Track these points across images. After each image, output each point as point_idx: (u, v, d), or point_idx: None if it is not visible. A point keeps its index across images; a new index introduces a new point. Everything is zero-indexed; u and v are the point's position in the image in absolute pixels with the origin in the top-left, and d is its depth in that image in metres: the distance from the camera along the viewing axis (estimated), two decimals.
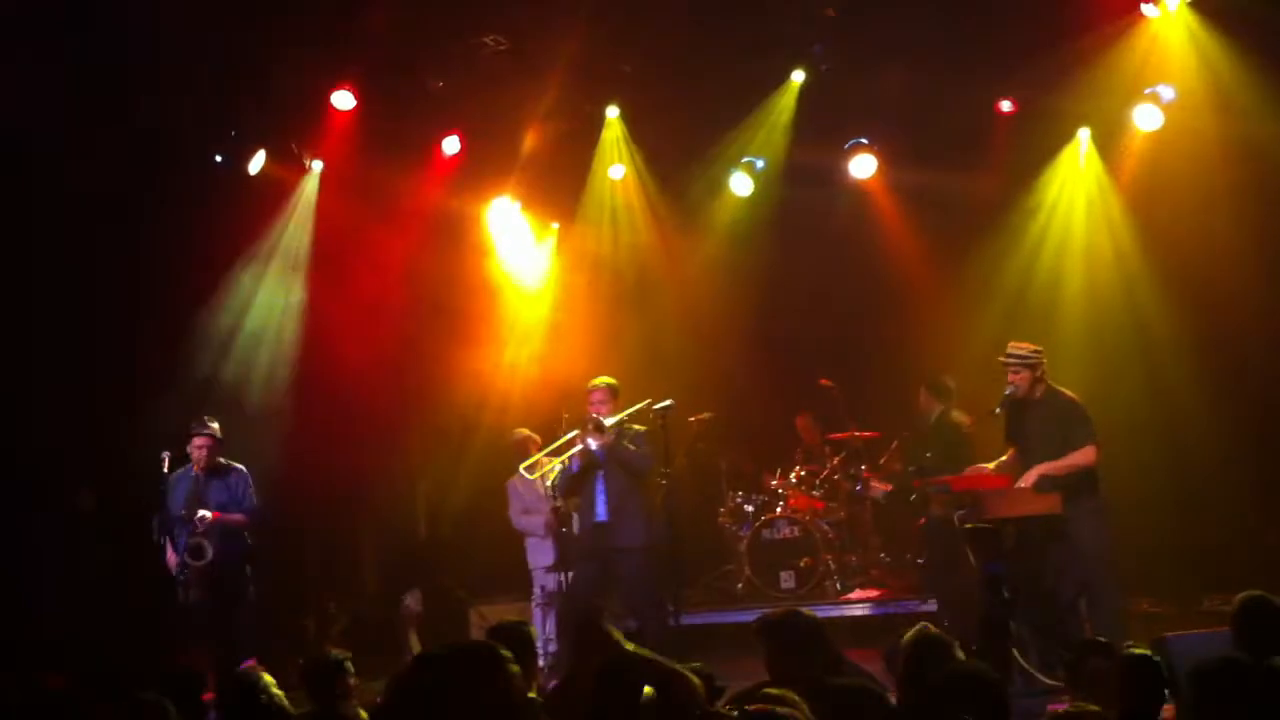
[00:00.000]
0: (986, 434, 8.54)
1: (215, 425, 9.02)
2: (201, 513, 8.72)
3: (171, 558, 8.81)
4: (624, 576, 8.80)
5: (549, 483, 8.84)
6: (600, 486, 8.71)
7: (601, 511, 8.68)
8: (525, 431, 10.06)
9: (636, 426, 8.77)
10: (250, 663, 6.23)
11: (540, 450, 9.25)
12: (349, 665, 5.68)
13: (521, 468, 9.04)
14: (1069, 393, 8.02)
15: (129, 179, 9.66)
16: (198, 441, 8.88)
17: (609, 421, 8.63)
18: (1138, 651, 4.88)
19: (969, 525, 7.80)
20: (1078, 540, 7.76)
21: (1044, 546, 7.74)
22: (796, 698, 4.07)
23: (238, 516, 8.93)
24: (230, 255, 10.62)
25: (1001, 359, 7.98)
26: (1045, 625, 7.72)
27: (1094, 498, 7.82)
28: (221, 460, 9.02)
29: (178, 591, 8.73)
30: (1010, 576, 7.45)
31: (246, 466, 9.13)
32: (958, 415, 9.33)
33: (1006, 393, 7.93)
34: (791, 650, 5.21)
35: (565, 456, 8.78)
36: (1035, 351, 7.95)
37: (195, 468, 8.89)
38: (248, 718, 5.06)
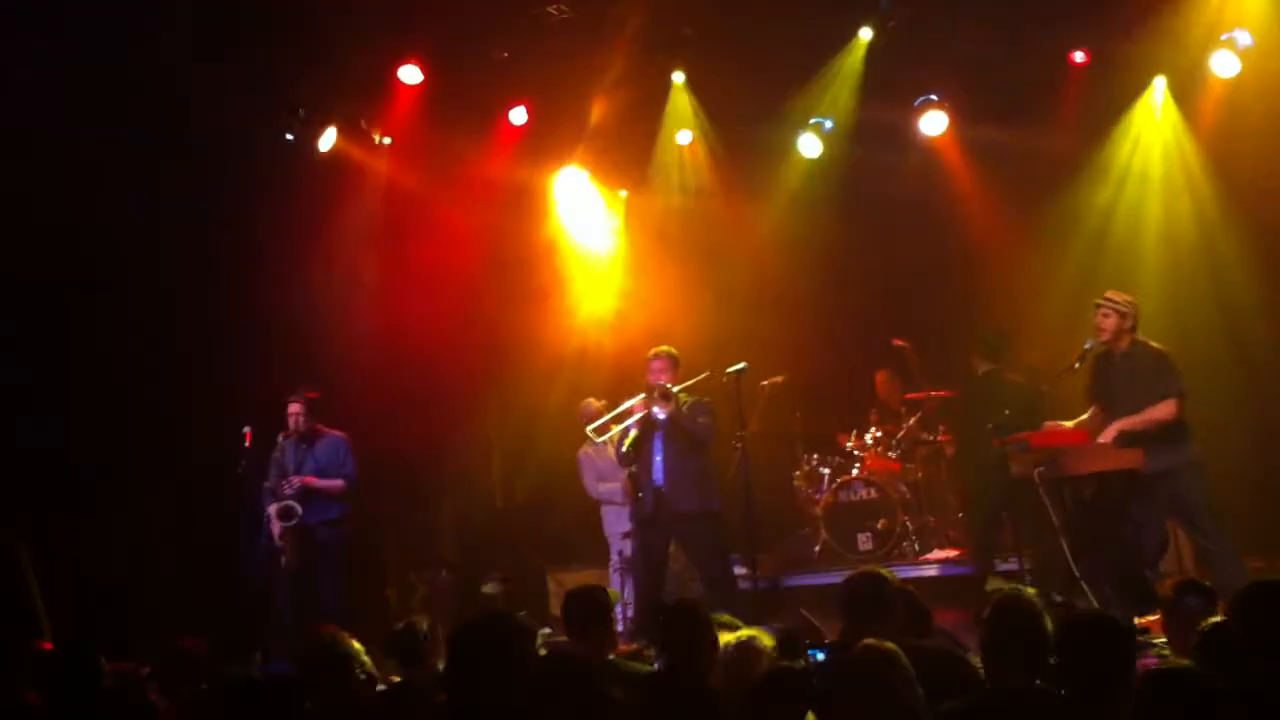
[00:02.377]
0: (1064, 391, 8.43)
1: (313, 393, 9.16)
2: (292, 477, 8.88)
3: (275, 526, 8.97)
4: (689, 542, 8.85)
5: (624, 447, 8.84)
6: (658, 450, 8.72)
7: (659, 476, 8.70)
8: (596, 402, 10.09)
9: (695, 396, 8.76)
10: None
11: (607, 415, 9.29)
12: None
13: (589, 429, 9.06)
14: (1156, 344, 7.89)
15: (199, 160, 9.79)
16: (291, 408, 9.05)
17: (674, 389, 8.64)
18: None
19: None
20: (1184, 499, 7.65)
21: (1125, 501, 7.65)
22: (895, 648, 4.05)
23: (335, 482, 9.07)
24: (304, 233, 10.72)
25: (1096, 301, 7.87)
26: (1127, 580, 7.63)
27: (1188, 450, 7.70)
28: (319, 427, 9.14)
29: (276, 558, 8.93)
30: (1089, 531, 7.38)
31: None
32: (1011, 375, 9.34)
33: (1087, 346, 7.82)
34: (871, 610, 5.23)
35: (628, 423, 8.79)
36: (1130, 302, 7.84)
37: (292, 434, 9.03)
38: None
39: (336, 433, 9.22)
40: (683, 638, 5.00)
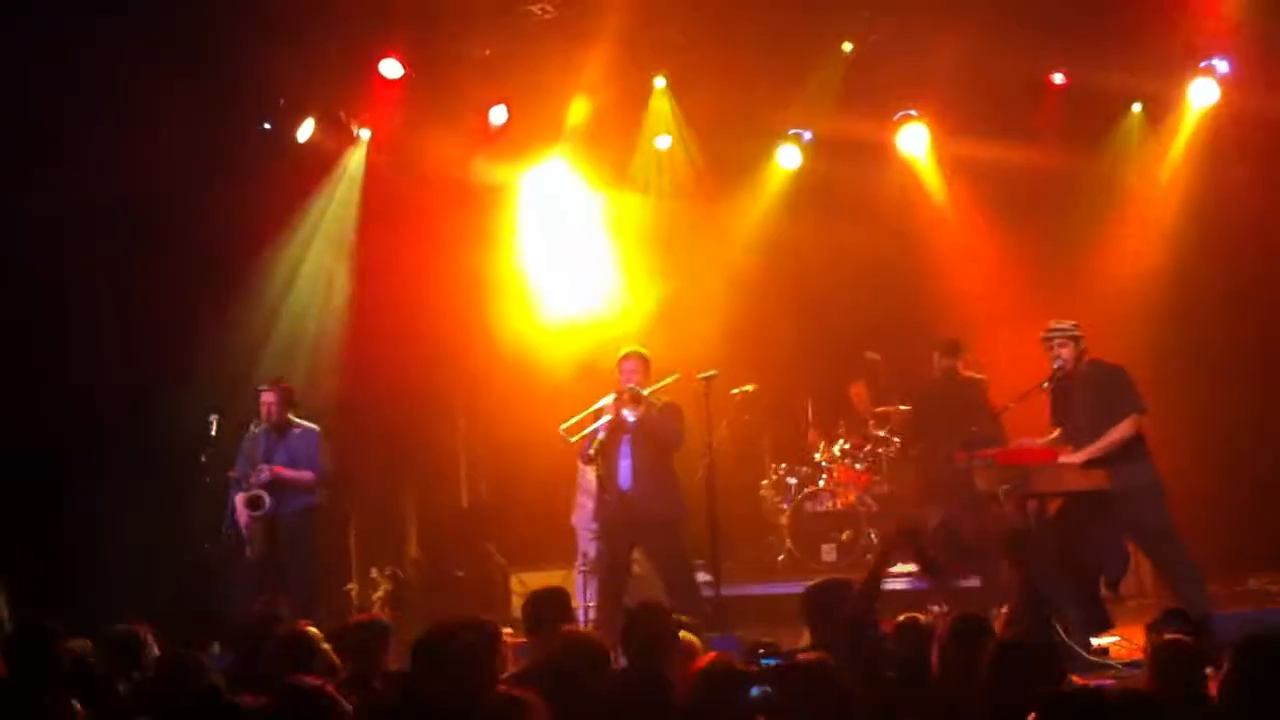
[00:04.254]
0: (1031, 411, 8.47)
1: (288, 385, 9.11)
2: (262, 466, 8.84)
3: (242, 514, 8.92)
4: (652, 547, 8.81)
5: (591, 449, 8.79)
6: (625, 454, 8.69)
7: (625, 480, 8.65)
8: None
9: (665, 399, 8.73)
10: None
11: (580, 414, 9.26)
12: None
13: (561, 429, 9.02)
14: (1111, 362, 7.93)
15: (176, 147, 9.73)
16: (264, 398, 8.97)
17: (645, 392, 8.61)
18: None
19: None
20: (1142, 520, 7.68)
21: (1088, 522, 7.68)
22: (830, 661, 4.06)
23: (305, 474, 9.00)
24: (278, 223, 10.68)
25: (1044, 335, 7.90)
26: (1089, 601, 7.67)
27: (1148, 472, 7.73)
28: (291, 418, 9.10)
29: (245, 548, 8.88)
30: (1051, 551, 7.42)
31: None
32: (967, 372, 9.49)
33: (1055, 366, 7.85)
34: (832, 616, 5.29)
35: (597, 425, 8.75)
36: (1075, 325, 7.88)
37: (264, 424, 8.98)
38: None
39: (310, 425, 9.16)
40: (645, 637, 5.00)
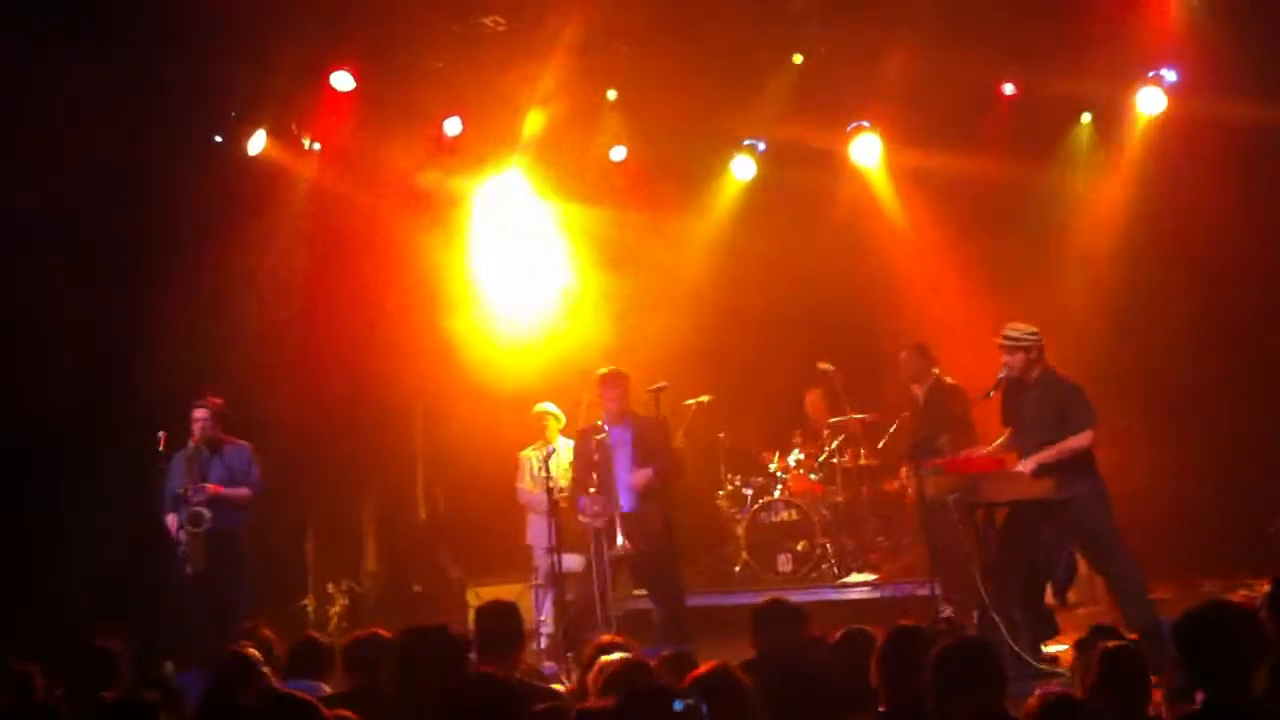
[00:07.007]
0: (981, 417, 8.52)
1: (218, 399, 9.06)
2: (200, 484, 8.78)
3: (180, 532, 8.85)
4: (647, 566, 8.88)
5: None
6: (624, 478, 8.79)
7: (625, 503, 8.74)
8: (545, 408, 10.00)
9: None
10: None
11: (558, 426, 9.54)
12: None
13: (531, 450, 9.06)
14: (1067, 375, 7.96)
15: (129, 159, 9.66)
16: (196, 414, 8.94)
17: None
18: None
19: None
20: (1087, 527, 7.71)
21: (1037, 529, 7.72)
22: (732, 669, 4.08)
23: (240, 491, 8.99)
24: (230, 235, 10.61)
25: (997, 340, 7.94)
26: (1036, 608, 7.70)
27: (1094, 480, 7.77)
28: (223, 435, 9.06)
29: (181, 565, 8.81)
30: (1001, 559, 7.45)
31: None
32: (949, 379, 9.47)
33: (1001, 375, 7.89)
34: (777, 632, 5.32)
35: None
36: (1031, 333, 7.88)
37: (193, 440, 8.93)
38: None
39: (240, 442, 9.14)
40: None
